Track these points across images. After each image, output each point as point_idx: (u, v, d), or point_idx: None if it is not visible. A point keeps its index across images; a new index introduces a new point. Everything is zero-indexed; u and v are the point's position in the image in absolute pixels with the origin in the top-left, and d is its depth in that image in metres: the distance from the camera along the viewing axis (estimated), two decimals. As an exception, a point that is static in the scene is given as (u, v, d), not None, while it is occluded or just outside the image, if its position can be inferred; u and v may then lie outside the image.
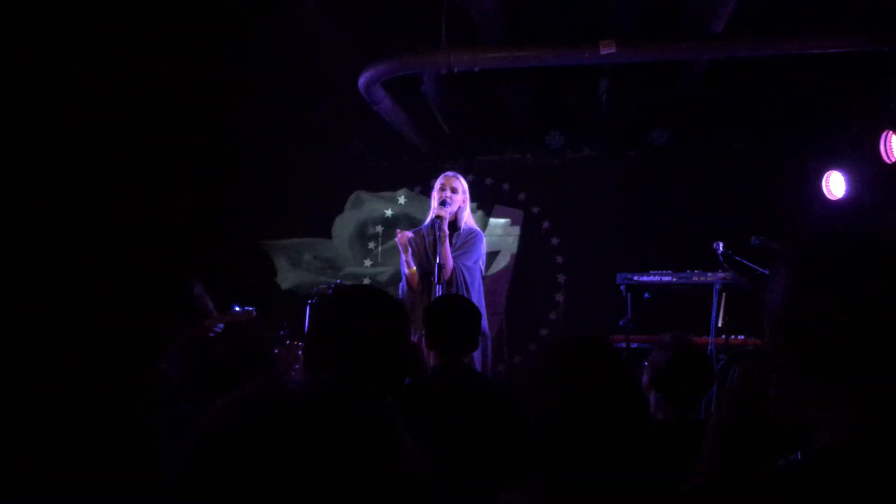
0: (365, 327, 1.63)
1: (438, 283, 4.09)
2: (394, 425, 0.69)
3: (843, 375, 0.90)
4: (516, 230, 6.87)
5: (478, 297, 4.29)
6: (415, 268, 4.35)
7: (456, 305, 2.87)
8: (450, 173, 4.44)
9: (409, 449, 0.68)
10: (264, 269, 7.12)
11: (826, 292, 0.92)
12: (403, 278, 4.41)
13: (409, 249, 4.34)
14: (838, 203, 5.42)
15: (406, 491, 0.66)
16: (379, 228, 7.10)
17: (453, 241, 4.29)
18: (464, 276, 4.23)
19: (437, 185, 4.38)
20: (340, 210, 7.18)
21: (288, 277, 7.11)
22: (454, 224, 4.35)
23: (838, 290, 0.91)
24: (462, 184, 4.37)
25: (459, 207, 4.34)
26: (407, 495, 0.66)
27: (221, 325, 4.41)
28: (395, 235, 4.37)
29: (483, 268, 4.42)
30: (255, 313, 4.63)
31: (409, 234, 4.32)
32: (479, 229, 4.45)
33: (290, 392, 0.69)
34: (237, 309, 4.62)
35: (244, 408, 0.67)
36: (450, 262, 4.18)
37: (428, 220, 4.36)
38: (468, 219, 4.42)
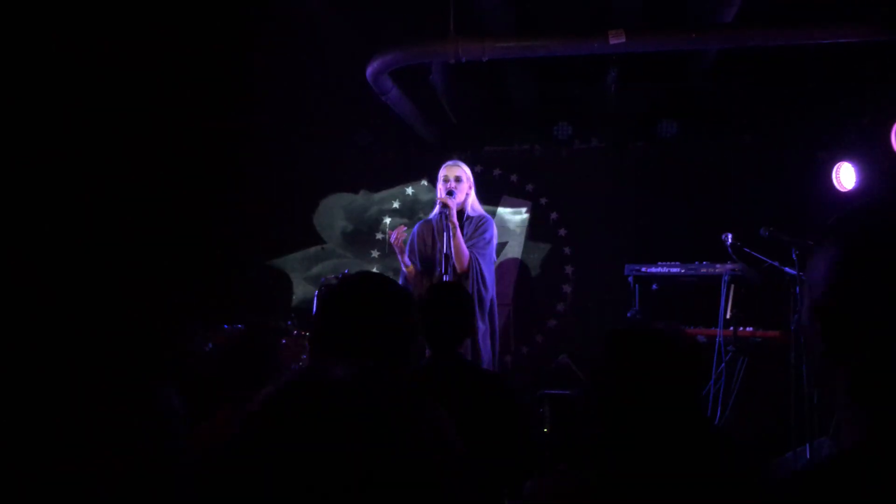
0: (371, 314, 1.62)
1: (445, 273, 4.08)
2: (439, 411, 0.69)
3: (875, 367, 0.79)
4: (524, 221, 6.85)
5: (492, 286, 4.27)
6: (411, 265, 4.32)
7: (446, 293, 2.82)
8: (450, 162, 4.40)
9: (451, 433, 0.68)
10: (268, 261, 7.12)
11: (874, 273, 0.80)
12: (402, 276, 4.39)
13: (406, 248, 4.32)
14: (849, 195, 5.39)
15: (449, 472, 0.66)
16: (387, 220, 7.09)
17: (465, 231, 4.27)
18: (480, 267, 4.20)
19: (440, 175, 4.36)
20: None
21: (299, 290, 7.13)
22: (462, 212, 4.33)
23: (887, 272, 0.79)
24: (464, 170, 4.34)
25: (466, 195, 4.32)
26: (450, 477, 0.65)
27: (211, 345, 4.38)
28: (400, 226, 4.35)
29: (494, 256, 4.39)
30: (243, 330, 4.62)
31: (403, 231, 4.25)
32: (488, 215, 4.42)
33: (335, 379, 0.68)
34: (225, 327, 4.62)
35: (291, 393, 0.67)
36: (465, 253, 4.14)
37: (436, 210, 4.33)
38: (475, 204, 4.39)
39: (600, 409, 1.58)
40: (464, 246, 4.13)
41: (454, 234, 4.09)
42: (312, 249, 7.14)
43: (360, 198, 7.17)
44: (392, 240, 4.21)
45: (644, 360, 1.58)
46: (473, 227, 4.28)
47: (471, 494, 0.68)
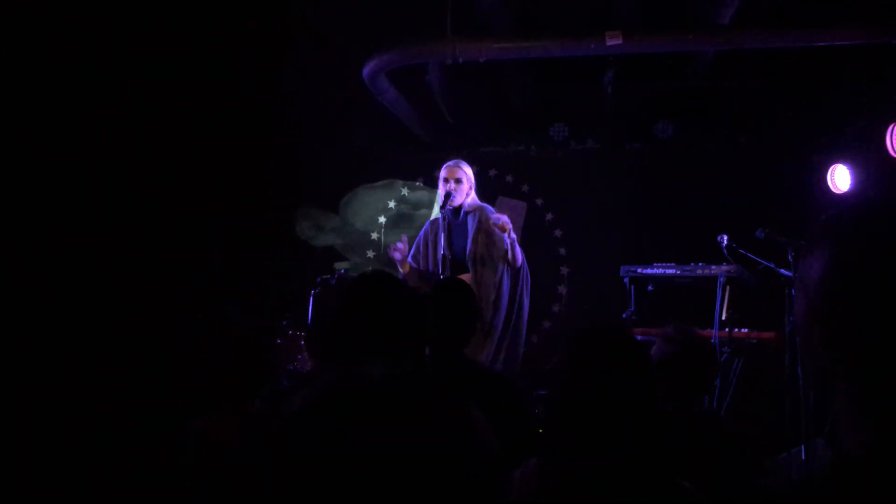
0: (390, 314, 1.60)
1: (443, 273, 4.09)
2: (476, 413, 0.69)
3: (881, 374, 0.76)
4: (520, 222, 6.85)
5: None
6: (408, 265, 4.36)
7: (450, 292, 2.79)
8: (451, 162, 4.41)
9: (491, 435, 0.69)
10: (264, 261, 7.09)
11: (870, 274, 0.77)
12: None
13: (411, 250, 4.38)
14: (843, 197, 5.40)
15: (489, 472, 0.66)
16: (382, 219, 7.08)
17: (468, 225, 4.30)
18: (527, 267, 4.33)
19: (441, 176, 4.37)
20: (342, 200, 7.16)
21: (308, 235, 7.08)
22: (459, 209, 4.36)
23: (884, 272, 0.76)
24: (465, 171, 4.35)
25: (466, 195, 4.35)
26: (489, 476, 0.66)
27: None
28: (398, 227, 4.38)
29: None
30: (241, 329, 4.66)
31: (403, 244, 4.30)
32: (485, 204, 4.49)
33: (374, 384, 0.68)
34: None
35: (338, 395, 0.67)
36: (519, 260, 4.27)
37: (436, 214, 4.35)
38: (472, 201, 4.41)
39: (563, 408, 1.59)
40: (519, 254, 4.27)
41: (513, 265, 4.25)
42: (327, 221, 7.11)
43: (356, 197, 7.15)
44: (394, 255, 4.23)
45: (603, 362, 1.59)
46: (481, 226, 4.30)
47: (505, 494, 0.69)
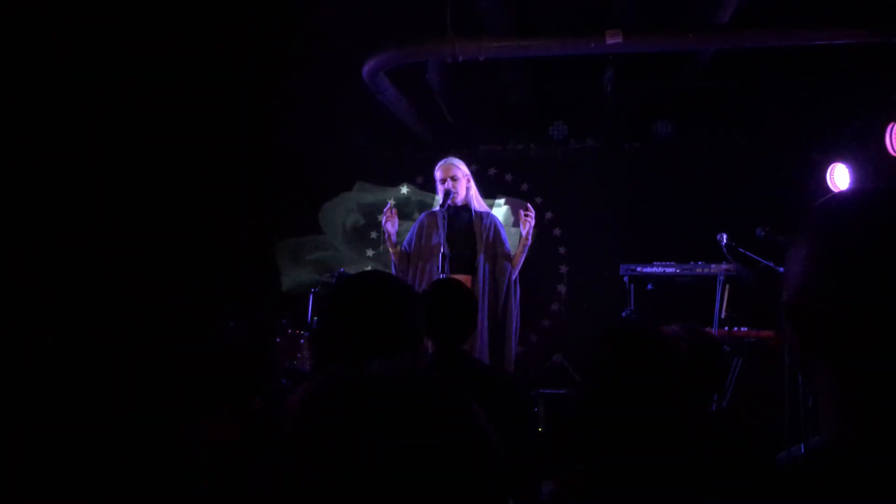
0: (385, 312, 1.60)
1: (442, 272, 4.09)
2: (476, 410, 0.70)
3: (855, 364, 0.77)
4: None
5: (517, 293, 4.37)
6: (398, 247, 4.39)
7: (451, 290, 2.82)
8: (443, 162, 4.39)
9: (492, 432, 0.69)
10: (264, 260, 7.10)
11: (843, 267, 0.77)
12: (393, 266, 4.44)
13: (407, 234, 4.39)
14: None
15: (491, 470, 0.66)
16: (381, 218, 7.07)
17: (483, 226, 4.32)
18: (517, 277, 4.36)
19: (437, 177, 4.37)
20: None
21: (290, 276, 7.09)
22: (466, 207, 4.36)
23: (862, 264, 0.76)
24: (459, 167, 4.35)
25: (466, 189, 4.35)
26: (492, 474, 0.66)
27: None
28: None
29: None
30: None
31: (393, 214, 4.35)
32: (492, 212, 4.50)
33: (383, 378, 0.68)
34: (231, 325, 4.71)
35: (338, 392, 0.67)
36: (516, 271, 4.32)
37: (437, 206, 4.35)
38: (478, 197, 4.43)
39: (596, 407, 1.58)
40: (519, 265, 4.34)
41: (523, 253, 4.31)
42: (306, 248, 7.12)
43: (355, 196, 7.15)
44: (386, 226, 4.26)
45: (644, 360, 1.59)
46: (491, 225, 4.32)
47: (507, 493, 0.69)
